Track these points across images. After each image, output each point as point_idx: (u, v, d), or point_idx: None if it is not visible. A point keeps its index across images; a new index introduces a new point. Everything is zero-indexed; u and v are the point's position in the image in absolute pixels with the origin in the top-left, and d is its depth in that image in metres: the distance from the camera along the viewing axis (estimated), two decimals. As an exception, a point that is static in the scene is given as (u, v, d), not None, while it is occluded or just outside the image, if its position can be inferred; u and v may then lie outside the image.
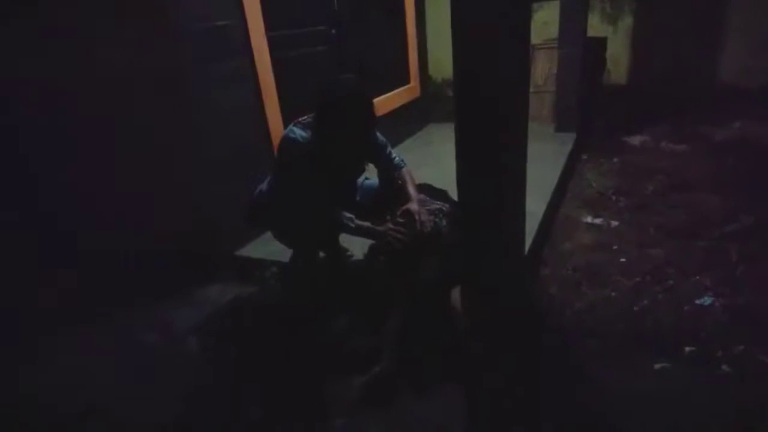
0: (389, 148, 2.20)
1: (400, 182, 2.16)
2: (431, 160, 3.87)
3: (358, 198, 2.26)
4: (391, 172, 2.19)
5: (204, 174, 2.54)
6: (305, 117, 2.03)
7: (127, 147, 2.50)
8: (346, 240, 2.38)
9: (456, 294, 2.06)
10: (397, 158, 2.21)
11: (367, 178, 2.32)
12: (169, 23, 2.26)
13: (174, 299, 2.52)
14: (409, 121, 4.75)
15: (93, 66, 2.38)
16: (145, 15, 2.28)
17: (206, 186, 2.55)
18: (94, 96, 2.42)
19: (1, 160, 2.40)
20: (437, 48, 5.06)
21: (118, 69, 2.36)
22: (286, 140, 1.97)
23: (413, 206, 2.01)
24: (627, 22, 4.78)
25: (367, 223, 2.04)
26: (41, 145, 2.45)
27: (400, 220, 1.99)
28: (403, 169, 2.19)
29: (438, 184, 2.40)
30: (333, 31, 3.44)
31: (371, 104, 1.93)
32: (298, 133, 1.95)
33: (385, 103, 4.17)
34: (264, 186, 2.17)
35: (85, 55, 2.36)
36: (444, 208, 2.19)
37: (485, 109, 1.71)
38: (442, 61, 5.08)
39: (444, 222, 2.11)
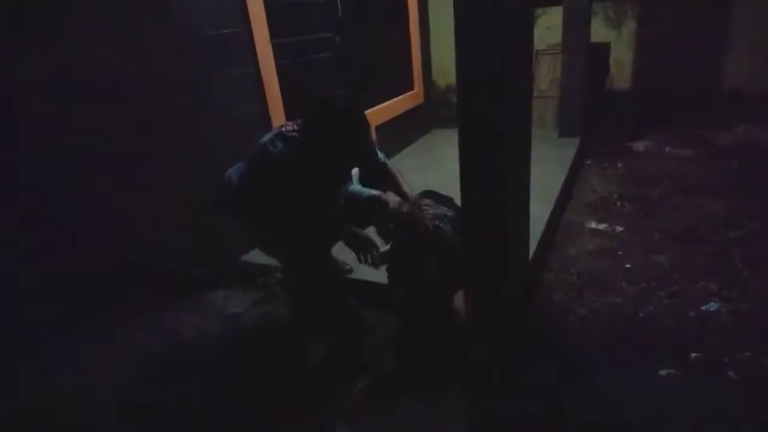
0: (378, 153, 2.18)
1: (390, 181, 2.13)
2: (435, 166, 3.88)
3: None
4: (378, 172, 2.15)
5: (208, 180, 2.54)
6: (289, 125, 1.94)
7: (131, 152, 2.52)
8: (346, 253, 2.38)
9: (459, 298, 2.06)
10: (382, 156, 2.17)
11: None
12: (174, 31, 2.29)
13: (178, 304, 2.53)
14: (412, 126, 4.76)
15: (97, 71, 2.40)
16: (151, 22, 2.30)
17: (210, 193, 2.55)
18: (96, 100, 2.44)
19: (3, 163, 2.42)
20: (440, 54, 5.08)
21: (122, 74, 2.38)
22: (268, 156, 1.84)
23: (412, 209, 1.99)
24: (630, 27, 4.79)
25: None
26: (44, 148, 2.47)
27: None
28: (389, 167, 2.14)
29: (441, 190, 2.40)
30: (338, 38, 3.46)
31: (367, 123, 1.91)
32: (280, 147, 1.84)
33: (389, 109, 4.20)
34: (234, 176, 2.03)
35: (89, 60, 2.38)
36: (449, 214, 2.20)
37: (489, 115, 1.71)
38: (445, 67, 5.10)
39: (448, 226, 2.12)
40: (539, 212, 2.72)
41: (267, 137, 1.91)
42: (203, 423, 1.84)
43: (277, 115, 2.88)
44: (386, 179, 2.15)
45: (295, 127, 1.91)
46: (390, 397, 1.80)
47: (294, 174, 1.83)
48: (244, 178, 2.00)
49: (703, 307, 2.18)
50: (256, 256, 2.71)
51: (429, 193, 2.33)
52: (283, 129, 1.92)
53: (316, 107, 1.83)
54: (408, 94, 4.66)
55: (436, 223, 2.07)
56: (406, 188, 2.12)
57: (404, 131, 4.57)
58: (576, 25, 4.06)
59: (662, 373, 1.84)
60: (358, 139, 1.90)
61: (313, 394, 1.91)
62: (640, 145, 4.42)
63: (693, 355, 1.91)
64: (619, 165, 4.02)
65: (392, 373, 1.84)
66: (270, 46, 2.78)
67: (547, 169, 3.43)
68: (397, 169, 2.18)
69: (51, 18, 2.35)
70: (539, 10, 4.76)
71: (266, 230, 2.01)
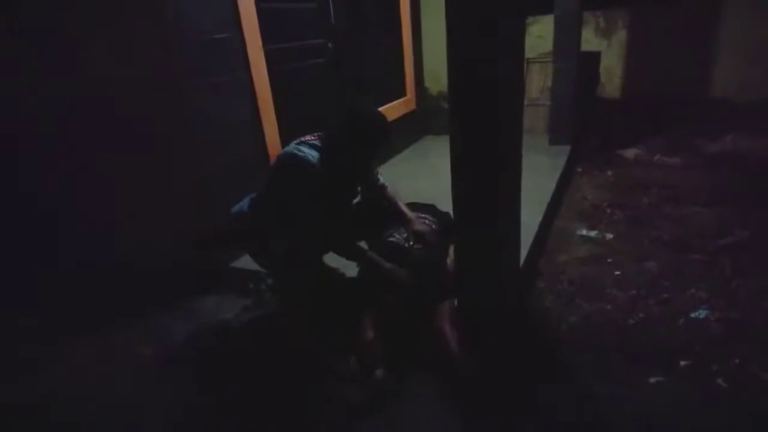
0: (379, 176, 2.30)
1: (387, 202, 2.25)
2: (427, 172, 3.89)
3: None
4: (376, 191, 2.27)
5: (200, 186, 2.53)
6: (309, 137, 2.03)
7: (123, 158, 2.50)
8: (341, 260, 2.37)
9: (448, 307, 2.06)
10: (381, 178, 2.29)
11: None
12: (167, 35, 2.28)
13: (171, 311, 2.50)
14: (405, 133, 4.78)
15: (90, 75, 2.38)
16: (144, 26, 2.29)
17: (202, 198, 2.54)
18: (91, 106, 2.42)
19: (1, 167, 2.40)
20: (433, 61, 5.11)
21: (115, 79, 2.37)
22: (295, 159, 1.92)
23: (419, 227, 2.14)
24: (621, 36, 4.84)
25: (381, 260, 2.05)
26: (40, 153, 2.45)
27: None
28: (389, 189, 2.27)
29: (433, 196, 2.42)
30: (330, 44, 3.46)
31: (389, 132, 2.05)
32: (308, 152, 1.93)
33: (381, 115, 4.20)
34: (244, 205, 2.13)
35: (82, 64, 2.37)
36: (430, 219, 2.27)
37: (480, 122, 1.72)
38: (438, 74, 5.12)
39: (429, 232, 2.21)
40: (530, 219, 2.73)
41: (288, 147, 2.01)
42: (196, 429, 1.82)
43: (269, 121, 2.87)
44: (386, 200, 2.27)
45: (315, 138, 2.02)
46: (384, 405, 1.78)
47: (317, 176, 1.92)
48: (256, 199, 2.12)
49: (693, 315, 2.19)
50: (247, 263, 2.70)
51: (410, 205, 2.39)
52: (303, 139, 2.03)
53: (347, 114, 1.97)
54: (401, 100, 4.67)
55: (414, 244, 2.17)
56: (405, 209, 2.25)
57: (397, 137, 4.57)
58: (567, 33, 4.09)
59: (652, 380, 1.84)
60: (380, 145, 2.02)
61: (308, 400, 1.89)
62: (630, 153, 4.45)
63: (682, 362, 1.92)
64: (609, 173, 4.05)
65: (385, 380, 1.83)
66: (262, 52, 2.77)
67: (538, 176, 3.44)
68: (396, 191, 2.30)
69: (47, 21, 2.33)
70: (530, 19, 4.80)
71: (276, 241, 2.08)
